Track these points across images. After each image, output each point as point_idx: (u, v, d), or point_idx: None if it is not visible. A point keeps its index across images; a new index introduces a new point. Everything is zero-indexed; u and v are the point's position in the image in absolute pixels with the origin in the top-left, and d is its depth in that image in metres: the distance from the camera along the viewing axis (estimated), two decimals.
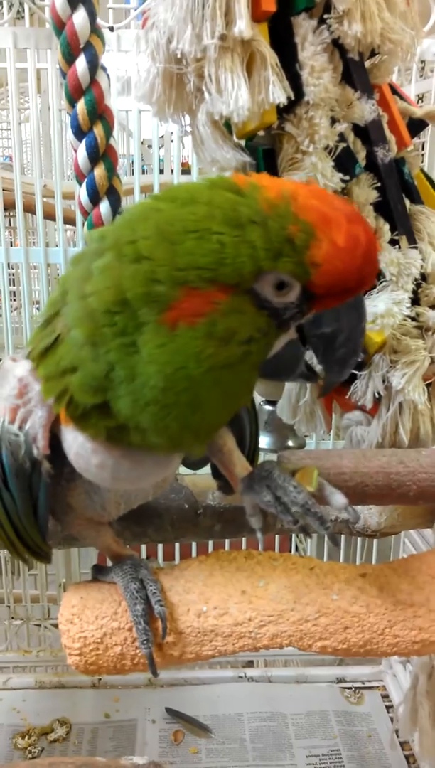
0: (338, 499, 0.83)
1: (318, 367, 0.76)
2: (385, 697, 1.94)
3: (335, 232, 0.65)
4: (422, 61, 1.68)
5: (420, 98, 1.71)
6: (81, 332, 0.71)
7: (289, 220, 0.65)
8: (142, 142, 2.34)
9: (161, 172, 1.96)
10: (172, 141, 1.77)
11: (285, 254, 0.65)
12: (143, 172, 2.27)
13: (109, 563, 0.97)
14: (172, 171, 1.73)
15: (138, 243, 0.67)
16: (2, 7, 1.55)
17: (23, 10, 1.57)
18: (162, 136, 1.89)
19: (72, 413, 0.76)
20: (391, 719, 1.84)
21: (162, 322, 0.66)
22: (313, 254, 0.65)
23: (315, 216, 0.65)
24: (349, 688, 1.97)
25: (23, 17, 1.61)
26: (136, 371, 0.68)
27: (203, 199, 0.66)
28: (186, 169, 1.93)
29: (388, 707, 1.91)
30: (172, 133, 1.74)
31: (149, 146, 2.31)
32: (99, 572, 0.97)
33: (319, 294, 0.68)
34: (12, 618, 2.08)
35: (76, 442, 0.78)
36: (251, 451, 0.98)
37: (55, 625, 2.02)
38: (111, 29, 1.49)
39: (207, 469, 1.13)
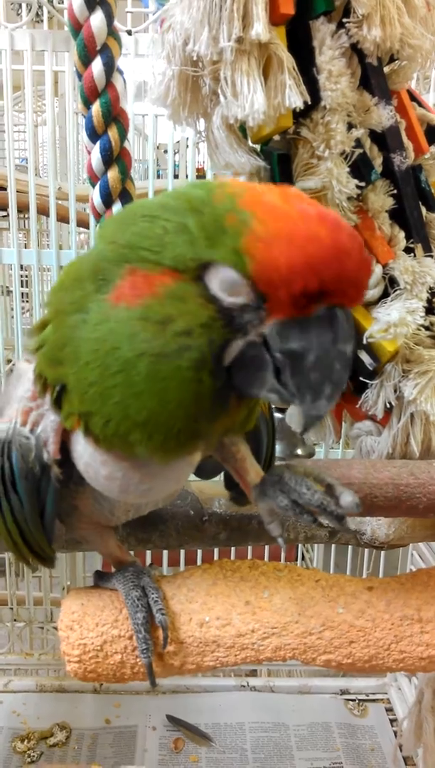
0: (347, 497, 0.77)
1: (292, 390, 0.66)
2: (390, 710, 1.92)
3: (280, 224, 0.60)
4: None
5: None
6: (50, 306, 0.74)
7: (228, 209, 0.62)
8: (158, 147, 2.33)
9: (176, 177, 1.96)
10: (187, 146, 1.76)
11: (219, 242, 0.62)
12: (158, 176, 2.26)
13: (113, 569, 0.96)
14: (186, 176, 1.72)
15: (107, 226, 0.71)
16: (21, 9, 1.56)
17: (42, 13, 1.58)
18: (178, 142, 1.88)
19: (51, 395, 0.76)
20: (395, 733, 1.81)
21: (106, 301, 0.66)
22: (246, 242, 0.60)
23: (260, 209, 0.61)
24: (353, 700, 1.94)
25: (42, 20, 1.62)
26: (80, 348, 0.68)
27: (177, 192, 0.68)
28: (201, 175, 1.92)
29: (392, 721, 1.88)
30: (187, 138, 1.73)
31: (165, 151, 2.31)
32: (101, 578, 0.96)
33: (270, 295, 0.62)
34: (15, 620, 2.07)
35: (86, 452, 0.77)
36: (267, 462, 0.95)
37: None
38: (129, 33, 1.49)
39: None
